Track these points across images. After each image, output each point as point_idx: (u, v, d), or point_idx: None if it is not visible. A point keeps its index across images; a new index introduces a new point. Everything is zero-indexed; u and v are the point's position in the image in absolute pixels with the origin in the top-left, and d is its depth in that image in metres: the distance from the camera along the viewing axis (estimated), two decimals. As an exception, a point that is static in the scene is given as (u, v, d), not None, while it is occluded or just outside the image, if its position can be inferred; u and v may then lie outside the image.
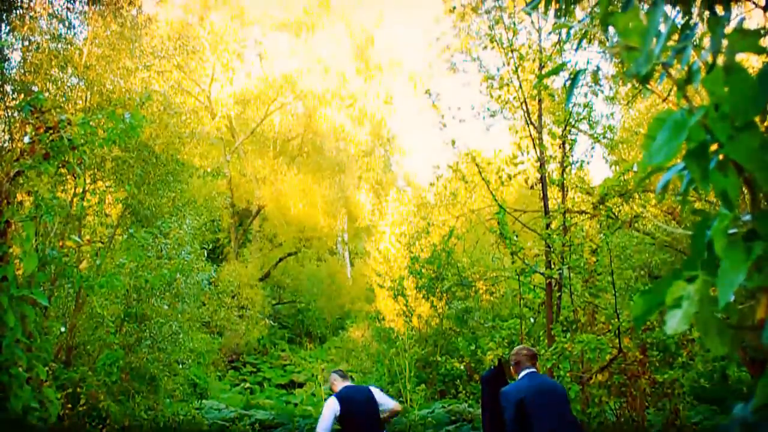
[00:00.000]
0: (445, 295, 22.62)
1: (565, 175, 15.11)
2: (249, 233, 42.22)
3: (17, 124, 14.65)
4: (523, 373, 7.69)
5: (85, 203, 15.84)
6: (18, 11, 16.55)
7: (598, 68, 16.95)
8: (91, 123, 8.71)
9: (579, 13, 15.51)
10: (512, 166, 16.03)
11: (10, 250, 7.80)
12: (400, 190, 38.83)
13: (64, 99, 16.70)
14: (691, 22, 2.69)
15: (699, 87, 2.28)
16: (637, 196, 15.05)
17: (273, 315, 37.65)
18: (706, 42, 2.36)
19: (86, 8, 17.76)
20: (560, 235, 14.52)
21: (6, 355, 7.17)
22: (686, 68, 2.34)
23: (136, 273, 16.01)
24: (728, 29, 2.29)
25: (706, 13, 2.75)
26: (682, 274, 2.21)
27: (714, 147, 2.17)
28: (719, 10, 2.73)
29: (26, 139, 8.32)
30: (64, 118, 8.30)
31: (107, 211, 17.49)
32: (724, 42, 2.24)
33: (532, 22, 16.46)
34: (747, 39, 2.19)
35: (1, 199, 7.86)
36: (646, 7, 2.57)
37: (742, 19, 2.40)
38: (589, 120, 15.75)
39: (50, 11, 17.12)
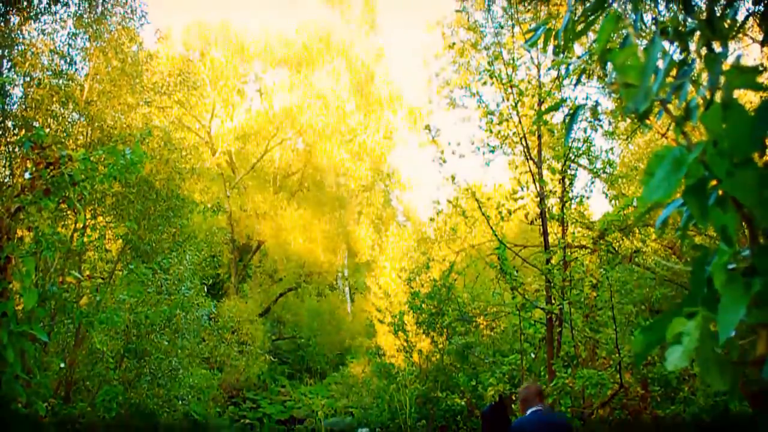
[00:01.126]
0: (445, 330, 22.51)
1: (565, 210, 15.11)
2: (249, 268, 42.17)
3: (18, 160, 14.70)
4: (530, 411, 7.71)
5: (85, 239, 15.84)
6: (20, 47, 16.63)
7: (597, 103, 17.02)
8: (91, 159, 8.73)
9: (578, 48, 15.62)
10: (512, 201, 16.04)
11: (10, 286, 7.79)
12: (400, 225, 38.81)
13: (65, 134, 16.75)
14: (689, 58, 2.70)
15: (697, 122, 2.28)
16: (637, 231, 15.05)
17: (273, 350, 37.49)
18: (705, 77, 2.37)
19: (88, 44, 17.86)
20: (560, 270, 14.51)
21: (5, 391, 7.14)
22: (684, 104, 2.35)
23: (136, 309, 16.01)
24: (726, 65, 2.30)
25: (704, 49, 2.77)
26: (682, 309, 2.21)
27: (713, 183, 2.18)
28: (717, 46, 2.75)
29: (27, 175, 8.35)
30: (65, 154, 8.32)
31: (107, 246, 17.50)
32: (722, 78, 2.26)
33: (531, 57, 16.55)
34: (744, 76, 2.20)
35: (2, 235, 7.87)
36: (644, 42, 2.59)
37: (740, 56, 2.42)
38: (588, 155, 15.78)
39: (52, 47, 17.21)
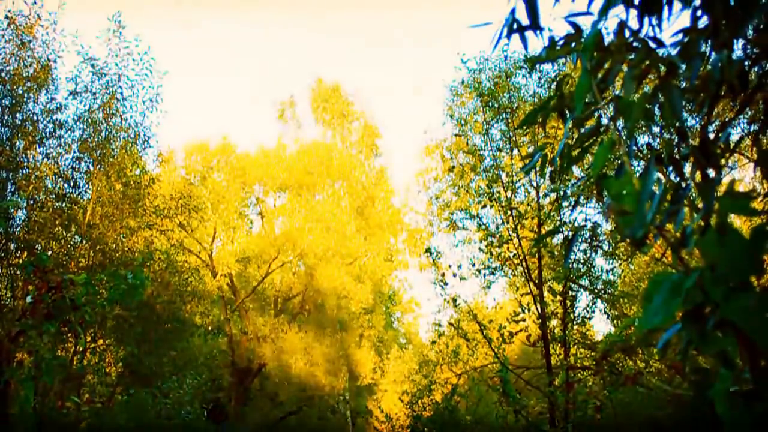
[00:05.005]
0: (448, 454, 22.20)
1: (566, 332, 15.08)
2: (250, 392, 41.71)
3: (20, 283, 14.74)
4: None
5: (85, 362, 15.78)
6: (24, 171, 16.85)
7: (597, 225, 17.13)
8: (93, 282, 8.76)
9: (576, 169, 15.80)
10: (513, 323, 16.01)
11: (9, 410, 7.74)
12: (402, 348, 38.61)
13: (66, 257, 16.84)
14: (684, 182, 2.75)
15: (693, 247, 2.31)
16: (639, 351, 14.98)
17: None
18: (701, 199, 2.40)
19: (91, 168, 18.06)
20: (563, 391, 14.39)
21: None
22: (681, 229, 2.38)
23: (135, 434, 15.82)
24: (723, 184, 2.35)
25: (698, 174, 2.82)
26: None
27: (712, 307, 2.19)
28: (711, 170, 2.80)
29: (28, 299, 8.37)
30: (67, 278, 8.35)
31: (107, 369, 17.41)
32: (717, 204, 2.29)
33: (530, 179, 16.71)
34: (738, 201, 2.24)
35: (2, 359, 7.85)
36: (640, 162, 2.64)
37: (733, 182, 2.46)
38: (589, 276, 15.82)
39: (56, 171, 17.41)
